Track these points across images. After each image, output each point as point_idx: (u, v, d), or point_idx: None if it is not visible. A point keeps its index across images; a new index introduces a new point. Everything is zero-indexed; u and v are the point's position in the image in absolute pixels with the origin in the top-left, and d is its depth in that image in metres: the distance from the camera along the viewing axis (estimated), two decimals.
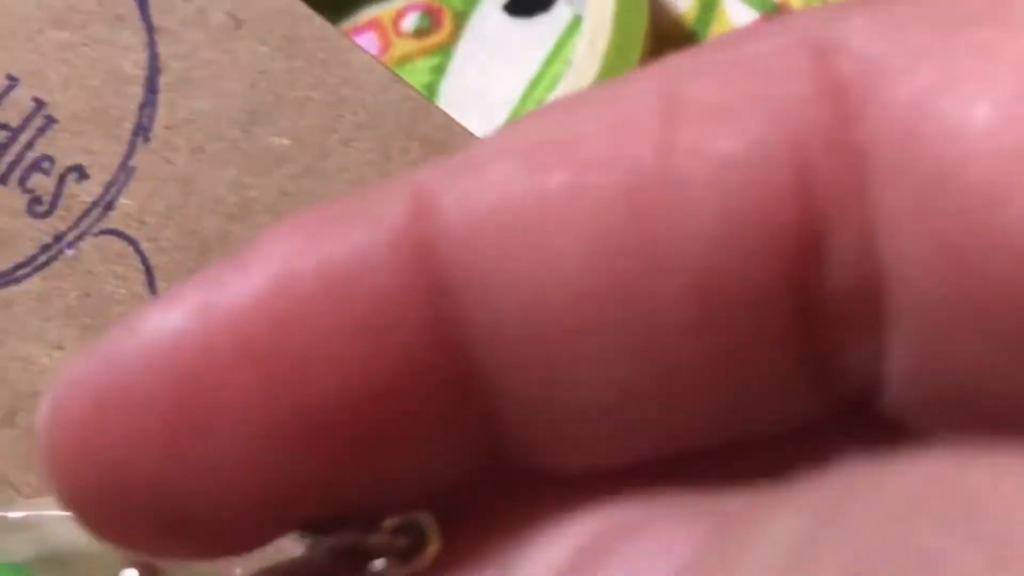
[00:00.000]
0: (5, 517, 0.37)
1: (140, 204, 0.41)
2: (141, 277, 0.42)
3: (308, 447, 0.20)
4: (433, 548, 0.22)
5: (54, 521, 0.38)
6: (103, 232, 0.42)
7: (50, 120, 0.42)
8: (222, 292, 0.20)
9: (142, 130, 0.42)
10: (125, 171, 0.42)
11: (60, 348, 0.41)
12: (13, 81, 0.42)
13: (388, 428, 0.21)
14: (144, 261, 0.42)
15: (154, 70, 0.42)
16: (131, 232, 0.41)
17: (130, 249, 0.41)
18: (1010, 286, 0.18)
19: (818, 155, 0.20)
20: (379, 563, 0.22)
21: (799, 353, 0.21)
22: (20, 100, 0.41)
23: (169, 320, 0.20)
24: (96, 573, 0.37)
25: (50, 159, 0.42)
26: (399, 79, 0.42)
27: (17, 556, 0.37)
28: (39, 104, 0.42)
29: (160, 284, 0.42)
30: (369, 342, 0.20)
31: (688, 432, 0.22)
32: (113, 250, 0.42)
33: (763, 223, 0.20)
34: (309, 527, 0.22)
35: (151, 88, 0.42)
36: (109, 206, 0.41)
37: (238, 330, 0.20)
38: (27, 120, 0.41)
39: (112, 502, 0.21)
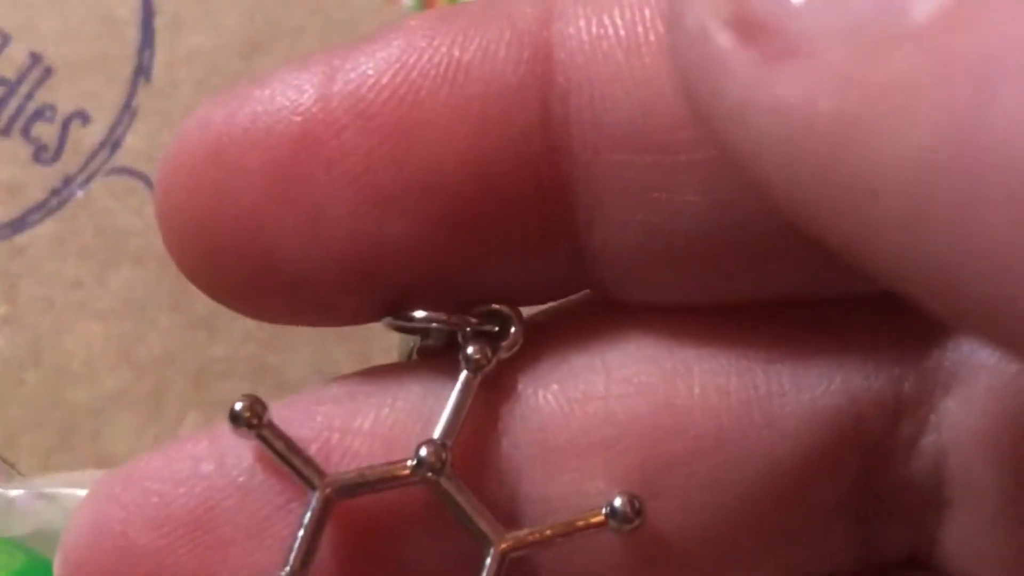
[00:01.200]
0: (5, 494, 0.36)
1: (146, 140, 0.41)
2: (154, 209, 0.41)
3: (404, 216, 0.21)
4: (517, 336, 0.23)
5: (53, 498, 0.37)
6: (112, 171, 0.41)
7: (48, 71, 0.42)
8: (349, 61, 0.21)
9: (143, 71, 0.42)
10: (129, 111, 0.42)
11: (80, 284, 0.40)
12: (6, 38, 0.42)
13: (485, 216, 0.21)
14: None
15: (148, 13, 0.42)
16: (140, 168, 0.41)
17: (140, 184, 0.41)
18: None
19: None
20: (472, 348, 0.22)
21: None
22: (15, 56, 0.41)
23: (297, 77, 0.21)
24: None
25: (52, 107, 0.41)
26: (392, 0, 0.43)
27: (16, 532, 0.36)
28: (35, 58, 0.42)
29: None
30: (479, 127, 0.21)
31: (782, 276, 0.22)
32: (124, 187, 0.41)
33: None
34: (399, 317, 0.22)
35: (147, 30, 0.42)
36: (116, 145, 0.41)
37: (356, 94, 0.21)
38: (24, 74, 0.41)
39: (218, 237, 0.21)
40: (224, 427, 0.22)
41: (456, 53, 0.21)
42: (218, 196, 0.21)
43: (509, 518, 0.23)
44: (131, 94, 0.42)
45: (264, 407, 0.22)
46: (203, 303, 0.39)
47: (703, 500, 0.22)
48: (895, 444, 0.22)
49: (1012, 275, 0.14)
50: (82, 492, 0.36)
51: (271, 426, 0.22)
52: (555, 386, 0.23)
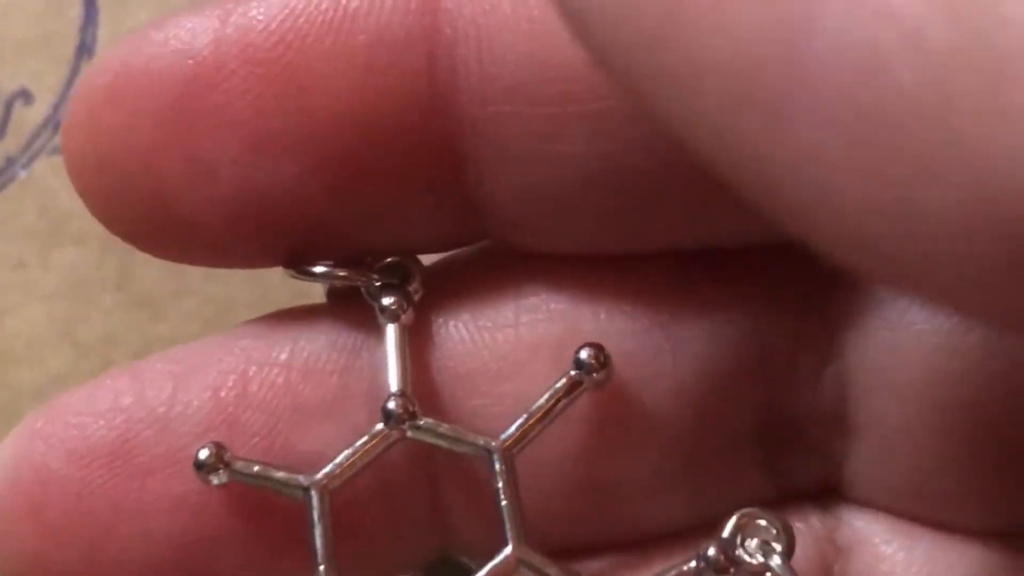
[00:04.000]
0: None
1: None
2: None
3: (292, 162, 0.22)
4: (418, 284, 0.23)
5: None
6: (55, 151, 0.41)
7: None
8: (242, 5, 0.22)
9: (85, 49, 0.41)
10: (72, 90, 0.41)
11: (23, 265, 0.40)
12: None
13: (372, 165, 0.22)
14: None
15: None
16: None
17: None
18: None
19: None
20: (387, 299, 0.23)
21: None
22: None
23: (192, 20, 0.22)
24: None
25: None
26: None
27: None
28: None
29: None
30: (363, 76, 0.21)
31: (672, 222, 0.22)
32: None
33: None
34: (300, 270, 0.23)
35: (90, 8, 0.42)
36: (58, 125, 0.41)
37: (246, 39, 0.21)
38: None
39: (113, 176, 0.22)
40: (142, 363, 0.23)
41: (344, 1, 0.21)
42: (114, 136, 0.22)
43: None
44: (74, 73, 0.41)
45: (224, 449, 0.22)
46: (147, 283, 0.39)
47: (610, 419, 0.23)
48: (799, 374, 0.23)
49: (819, 170, 0.14)
50: None
51: (234, 461, 0.22)
52: (466, 315, 0.23)
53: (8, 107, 0.41)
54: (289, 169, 0.22)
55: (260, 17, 0.21)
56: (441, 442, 0.23)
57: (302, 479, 0.22)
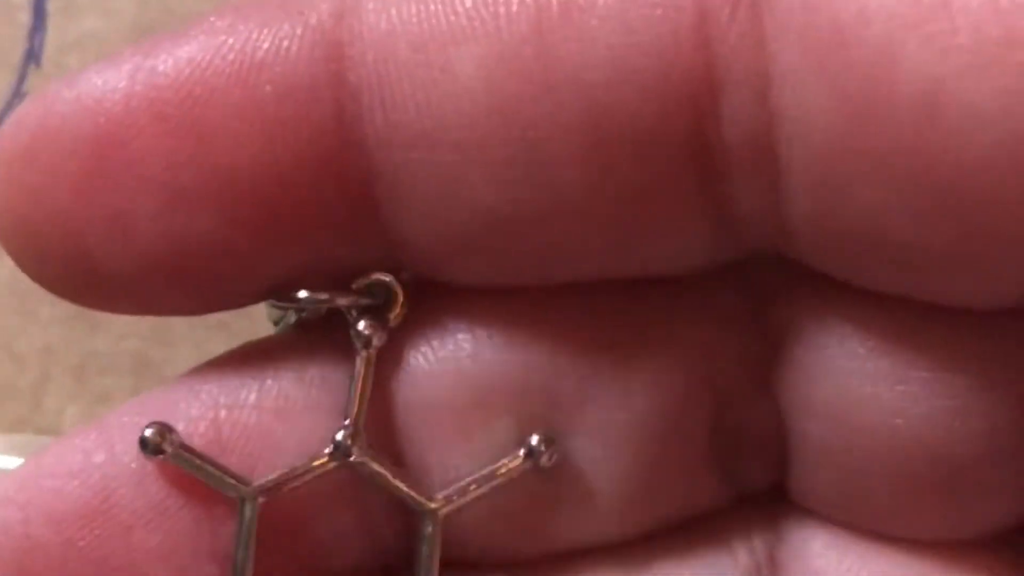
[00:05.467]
0: None
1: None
2: None
3: (208, 215, 0.22)
4: (403, 306, 0.23)
5: None
6: None
7: None
8: (150, 59, 0.22)
9: (33, 56, 0.41)
10: (19, 97, 0.41)
11: None
12: None
13: (288, 212, 0.22)
14: None
15: None
16: None
17: None
18: (902, 134, 0.19)
19: (719, 3, 0.21)
20: (362, 324, 0.23)
21: (697, 195, 0.22)
22: None
23: (104, 76, 0.22)
24: None
25: None
26: None
27: None
28: None
29: None
30: (271, 128, 0.21)
31: (582, 260, 0.23)
32: None
33: (661, 63, 0.21)
34: (282, 298, 0.23)
35: (39, 13, 0.41)
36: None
37: (154, 95, 0.21)
38: None
39: (33, 236, 0.22)
40: (108, 418, 0.23)
41: (250, 51, 0.21)
42: (34, 196, 0.22)
43: (419, 479, 0.24)
44: (21, 79, 0.41)
45: (172, 430, 0.22)
46: None
47: (580, 446, 0.23)
48: (743, 389, 0.24)
49: None
50: None
51: (183, 447, 0.22)
52: (427, 347, 0.23)
53: None
54: (205, 221, 0.22)
55: (168, 72, 0.21)
56: (379, 482, 0.23)
57: (238, 484, 0.22)
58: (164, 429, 0.22)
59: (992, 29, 0.19)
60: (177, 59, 0.22)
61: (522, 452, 0.23)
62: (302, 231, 0.22)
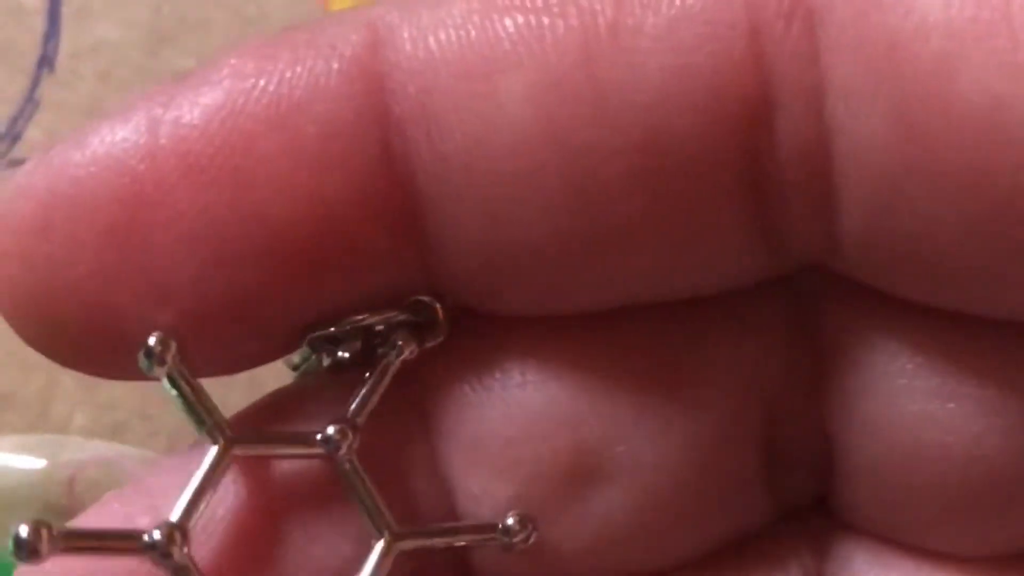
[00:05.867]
0: None
1: (47, 132, 0.41)
2: None
3: (252, 268, 0.20)
4: (443, 327, 0.22)
5: None
6: (12, 164, 0.41)
7: None
8: (171, 110, 0.20)
9: (46, 61, 0.41)
10: (31, 103, 0.41)
11: None
12: None
13: (334, 256, 0.21)
14: None
15: (55, 2, 0.41)
16: None
17: None
18: (960, 150, 0.19)
19: (772, 18, 0.20)
20: (396, 335, 0.22)
21: (748, 214, 0.21)
22: None
23: (118, 133, 0.20)
24: (7, 512, 0.36)
25: None
26: None
27: None
28: None
29: None
30: (317, 170, 0.20)
31: (633, 284, 0.22)
32: None
33: (714, 82, 0.20)
34: (321, 328, 0.22)
35: (53, 19, 0.41)
36: (16, 138, 0.41)
37: (184, 148, 0.20)
38: None
39: (49, 313, 0.21)
40: (151, 476, 0.22)
41: (285, 91, 0.20)
42: (51, 270, 0.20)
43: (442, 509, 0.23)
44: (34, 85, 0.41)
45: (174, 343, 0.21)
46: None
47: (630, 479, 0.23)
48: (791, 405, 0.23)
49: None
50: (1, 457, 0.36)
51: (181, 369, 0.21)
52: (472, 375, 0.23)
53: None
54: (251, 275, 0.20)
55: (195, 122, 0.20)
56: (349, 488, 0.22)
57: (216, 422, 0.21)
58: (168, 341, 0.21)
59: None
60: (204, 107, 0.20)
61: (498, 526, 0.22)
62: (348, 272, 0.21)
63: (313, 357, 0.23)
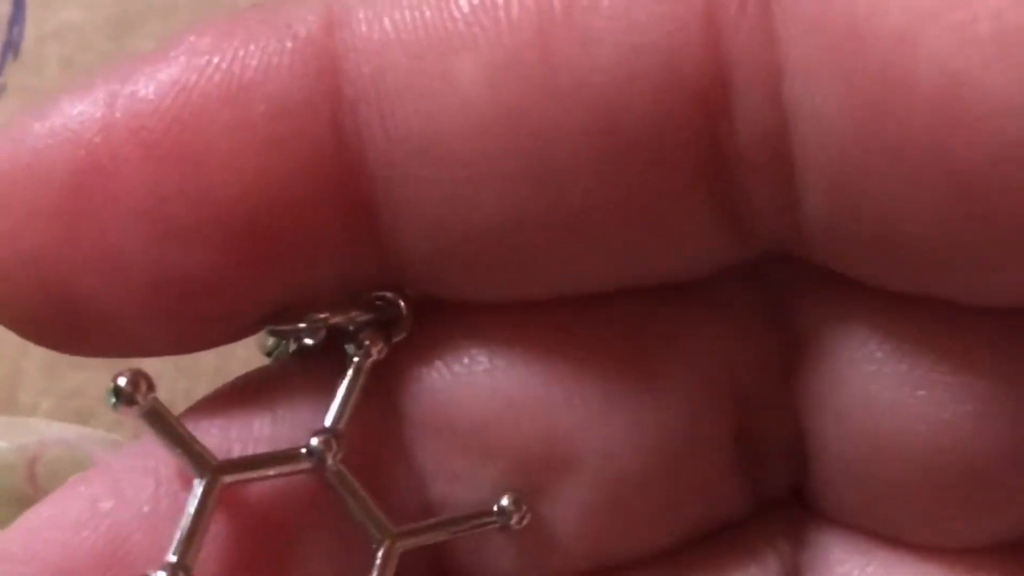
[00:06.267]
0: None
1: (11, 119, 0.40)
2: None
3: (202, 246, 0.20)
4: (408, 322, 0.22)
5: None
6: None
7: None
8: (128, 84, 0.20)
9: (11, 47, 0.41)
10: None
11: None
12: None
13: (286, 236, 0.21)
14: None
15: None
16: None
17: None
18: (922, 128, 0.19)
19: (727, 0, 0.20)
20: (363, 334, 0.22)
21: (709, 197, 0.21)
22: None
23: (77, 106, 0.20)
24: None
25: None
26: None
27: None
28: None
29: None
30: (266, 149, 0.20)
31: (594, 270, 0.22)
32: None
33: (669, 63, 0.20)
34: (283, 320, 0.22)
35: (18, 4, 0.41)
36: None
37: (137, 123, 0.20)
38: None
39: (11, 283, 0.21)
40: (114, 463, 0.22)
41: (237, 70, 0.20)
42: (9, 240, 0.20)
43: (416, 501, 0.23)
44: None
45: (150, 382, 0.21)
46: None
47: (601, 468, 0.23)
48: (764, 394, 0.23)
49: None
50: None
51: (156, 404, 0.21)
52: (439, 362, 0.22)
53: None
54: (200, 253, 0.20)
55: (150, 96, 0.20)
56: (341, 497, 0.22)
57: (201, 455, 0.21)
58: (140, 377, 0.20)
59: (1014, 16, 0.18)
60: (159, 83, 0.20)
61: (493, 508, 0.22)
62: (301, 255, 0.21)
63: (283, 343, 0.23)
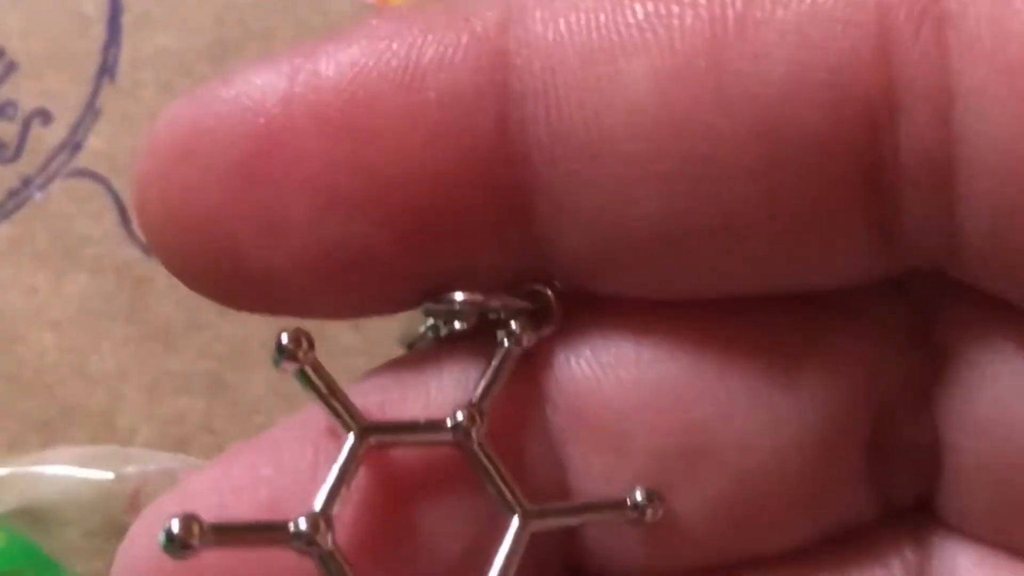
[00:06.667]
0: None
1: (109, 142, 0.40)
2: (114, 215, 0.40)
3: (363, 220, 0.21)
4: (557, 317, 0.23)
5: (33, 477, 0.36)
6: (72, 173, 0.40)
7: (11, 66, 0.41)
8: (311, 61, 0.21)
9: (107, 70, 0.41)
10: (92, 112, 0.41)
11: (34, 291, 0.39)
12: None
13: (443, 219, 0.22)
14: (116, 199, 0.40)
15: (115, 10, 0.41)
16: (101, 171, 0.40)
17: (101, 188, 0.40)
18: None
19: (902, 20, 0.20)
20: (515, 322, 0.23)
21: (866, 212, 0.21)
22: None
23: (262, 76, 0.21)
24: (69, 525, 0.36)
25: (13, 104, 0.40)
26: (368, 4, 0.42)
27: None
28: None
29: (135, 220, 0.40)
30: (432, 134, 0.21)
31: (745, 275, 0.22)
32: (84, 190, 0.40)
33: (838, 79, 0.20)
34: (438, 300, 0.23)
35: (114, 28, 0.41)
36: (77, 147, 0.40)
37: (315, 98, 0.21)
38: None
39: (182, 232, 0.22)
40: (274, 432, 0.23)
41: (414, 57, 0.21)
42: (186, 192, 0.22)
43: (554, 486, 0.23)
44: (95, 94, 0.40)
45: (311, 341, 0.22)
46: (160, 315, 0.38)
47: (735, 464, 0.23)
48: (903, 405, 0.23)
49: None
50: (66, 469, 0.35)
51: (315, 362, 0.22)
52: (587, 352, 0.23)
53: (26, 126, 0.40)
54: (360, 225, 0.21)
55: (330, 74, 0.21)
56: (481, 471, 0.22)
57: (352, 420, 0.22)
58: (301, 335, 0.22)
59: None
60: (339, 62, 0.21)
61: (627, 501, 0.23)
62: (456, 239, 0.22)
63: (429, 335, 0.24)
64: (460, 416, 0.22)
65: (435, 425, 0.22)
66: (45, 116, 0.40)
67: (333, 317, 0.24)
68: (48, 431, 0.38)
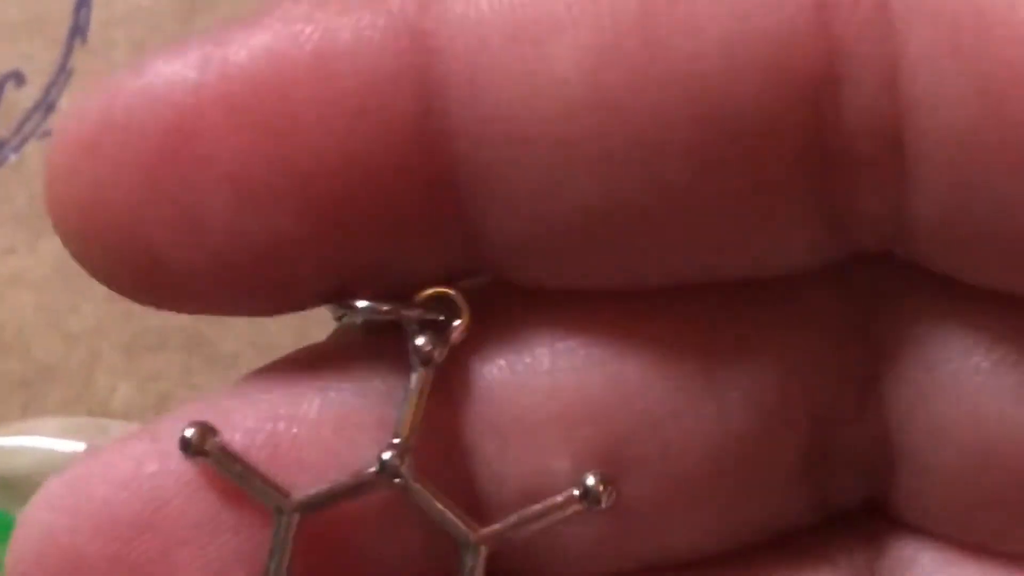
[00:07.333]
0: None
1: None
2: None
3: (283, 213, 0.20)
4: (466, 322, 0.22)
5: (8, 449, 0.36)
6: (46, 134, 0.40)
7: None
8: (222, 48, 0.20)
9: (79, 31, 0.41)
10: (64, 72, 0.41)
11: (12, 252, 0.39)
12: None
13: (367, 209, 0.21)
14: None
15: None
16: None
17: None
18: None
19: None
20: (421, 340, 0.22)
21: (812, 191, 0.20)
22: None
23: (172, 66, 0.20)
24: None
25: None
26: None
27: None
28: None
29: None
30: (351, 122, 0.20)
31: (683, 261, 0.21)
32: None
33: (776, 52, 0.19)
34: (341, 306, 0.22)
35: None
36: (50, 108, 0.40)
37: (227, 87, 0.20)
38: None
39: (92, 228, 0.21)
40: (161, 424, 0.22)
41: (328, 41, 0.20)
42: (96, 187, 0.21)
43: (470, 499, 0.22)
44: (67, 55, 0.40)
45: (214, 432, 0.21)
46: None
47: (660, 470, 0.22)
48: (841, 403, 0.23)
49: None
50: (43, 441, 0.35)
51: (224, 450, 0.21)
52: (501, 361, 0.22)
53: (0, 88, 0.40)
54: (279, 219, 0.21)
55: (241, 63, 0.20)
56: (422, 508, 0.22)
57: (277, 495, 0.21)
58: (206, 430, 0.21)
59: None
60: (251, 49, 0.20)
61: (576, 492, 0.22)
62: (379, 229, 0.21)
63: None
64: (387, 456, 0.22)
65: (366, 483, 0.22)
66: (18, 78, 0.40)
67: (250, 314, 0.23)
68: (28, 391, 0.38)
